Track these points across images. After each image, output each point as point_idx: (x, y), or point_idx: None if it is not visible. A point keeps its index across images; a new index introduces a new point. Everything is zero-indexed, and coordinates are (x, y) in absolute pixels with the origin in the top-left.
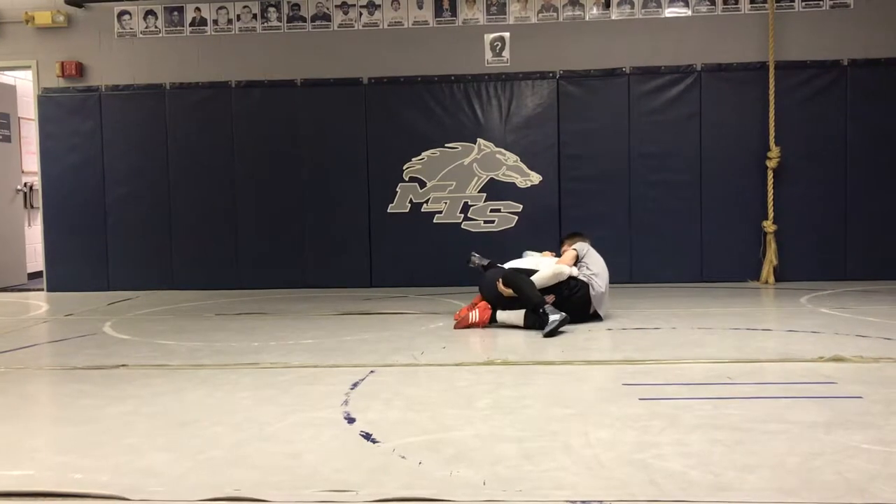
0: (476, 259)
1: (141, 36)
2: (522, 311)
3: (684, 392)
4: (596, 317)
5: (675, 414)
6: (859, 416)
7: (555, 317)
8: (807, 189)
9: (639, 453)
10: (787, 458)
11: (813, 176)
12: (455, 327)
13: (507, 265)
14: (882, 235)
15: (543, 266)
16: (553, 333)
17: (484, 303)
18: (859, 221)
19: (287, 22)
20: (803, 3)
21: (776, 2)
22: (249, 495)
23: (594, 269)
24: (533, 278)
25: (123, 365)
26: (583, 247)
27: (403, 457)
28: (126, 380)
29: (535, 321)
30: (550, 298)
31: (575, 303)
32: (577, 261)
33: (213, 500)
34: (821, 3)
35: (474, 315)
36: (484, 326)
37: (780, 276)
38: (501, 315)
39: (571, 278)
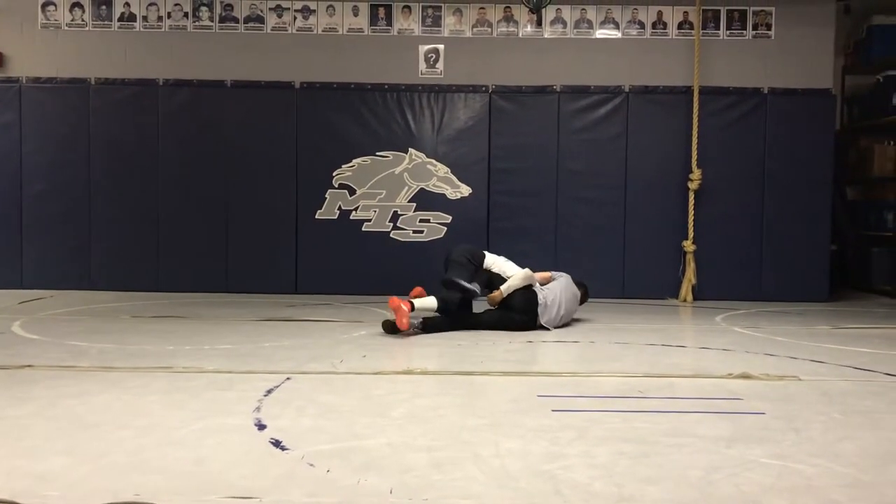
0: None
1: (66, 28)
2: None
3: (596, 405)
4: (543, 328)
5: (585, 426)
6: (760, 431)
7: (468, 285)
8: (726, 211)
9: (546, 464)
10: (688, 471)
11: (732, 198)
12: (404, 327)
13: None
14: (795, 258)
15: (517, 270)
16: (454, 285)
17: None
18: (775, 244)
19: (219, 22)
20: (728, 32)
21: (702, 29)
22: (149, 501)
23: (553, 291)
24: (511, 279)
25: (29, 365)
26: (559, 275)
27: (312, 464)
28: (30, 381)
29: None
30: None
31: (519, 305)
32: (547, 282)
33: None
34: (744, 32)
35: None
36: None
37: (698, 294)
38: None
39: (532, 289)
